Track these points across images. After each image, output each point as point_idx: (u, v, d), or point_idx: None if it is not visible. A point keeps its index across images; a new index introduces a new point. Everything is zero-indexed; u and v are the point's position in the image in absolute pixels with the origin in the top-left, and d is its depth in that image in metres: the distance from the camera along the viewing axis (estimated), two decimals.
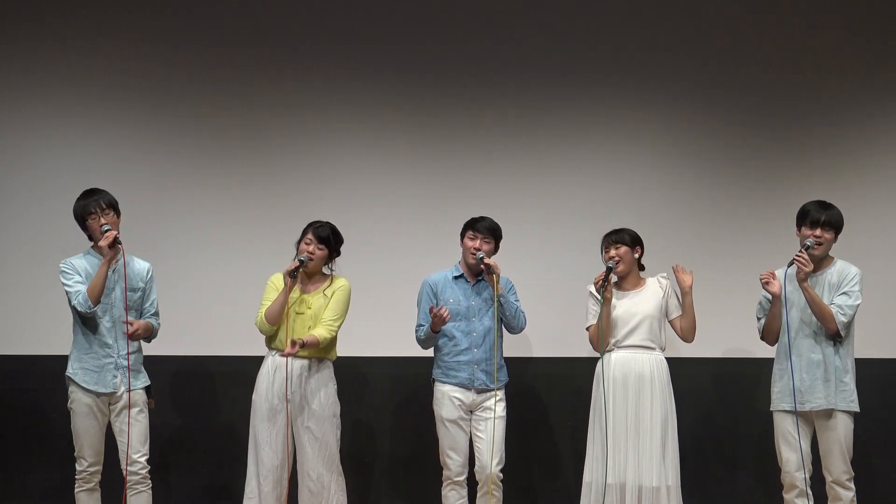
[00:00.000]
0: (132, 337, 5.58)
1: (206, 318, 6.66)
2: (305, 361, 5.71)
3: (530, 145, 6.89)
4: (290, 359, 5.65)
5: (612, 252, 5.78)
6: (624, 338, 5.74)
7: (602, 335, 5.70)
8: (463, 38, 6.91)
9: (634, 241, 5.81)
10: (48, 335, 6.59)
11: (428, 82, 6.90)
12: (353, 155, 6.88)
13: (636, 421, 5.62)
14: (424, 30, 6.92)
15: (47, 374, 6.58)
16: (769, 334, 5.68)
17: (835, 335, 5.48)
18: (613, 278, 5.81)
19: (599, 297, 5.70)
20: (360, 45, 6.90)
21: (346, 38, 6.90)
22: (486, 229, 5.87)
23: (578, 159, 6.90)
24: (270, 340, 5.78)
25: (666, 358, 5.81)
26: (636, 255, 5.82)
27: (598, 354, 5.80)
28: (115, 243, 5.48)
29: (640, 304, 5.77)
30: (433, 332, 5.80)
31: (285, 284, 5.65)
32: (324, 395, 5.71)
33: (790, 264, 5.47)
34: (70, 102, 6.87)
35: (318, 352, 5.72)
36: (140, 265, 5.73)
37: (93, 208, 5.57)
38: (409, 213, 6.85)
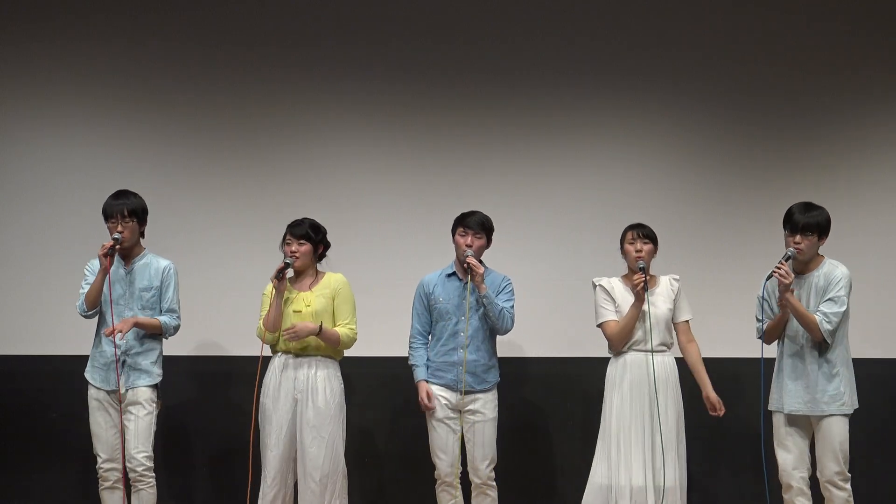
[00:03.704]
0: (112, 335, 5.56)
1: (202, 319, 6.66)
2: (312, 359, 5.71)
3: (534, 145, 6.87)
4: (296, 357, 5.68)
5: (640, 245, 5.66)
6: (641, 339, 5.67)
7: (648, 334, 5.62)
8: (466, 37, 6.90)
9: (656, 239, 5.73)
10: (48, 335, 6.61)
11: (430, 81, 6.88)
12: (354, 155, 6.87)
13: (651, 423, 5.58)
14: (428, 28, 6.90)
15: (47, 374, 6.61)
16: (770, 336, 5.63)
17: (820, 342, 5.44)
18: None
19: (637, 297, 5.57)
20: (362, 45, 6.88)
21: (348, 38, 6.89)
22: (476, 224, 5.76)
23: (583, 159, 6.88)
24: (275, 346, 5.78)
25: (675, 359, 5.79)
26: (654, 255, 5.75)
27: (602, 354, 5.78)
28: (108, 254, 5.51)
29: (656, 305, 5.70)
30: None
31: (275, 288, 5.69)
32: (329, 392, 5.69)
33: (769, 277, 5.40)
34: (72, 102, 6.86)
35: (326, 350, 5.72)
36: (158, 264, 5.75)
37: (114, 214, 5.64)
38: (409, 214, 6.84)
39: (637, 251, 5.66)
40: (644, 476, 5.54)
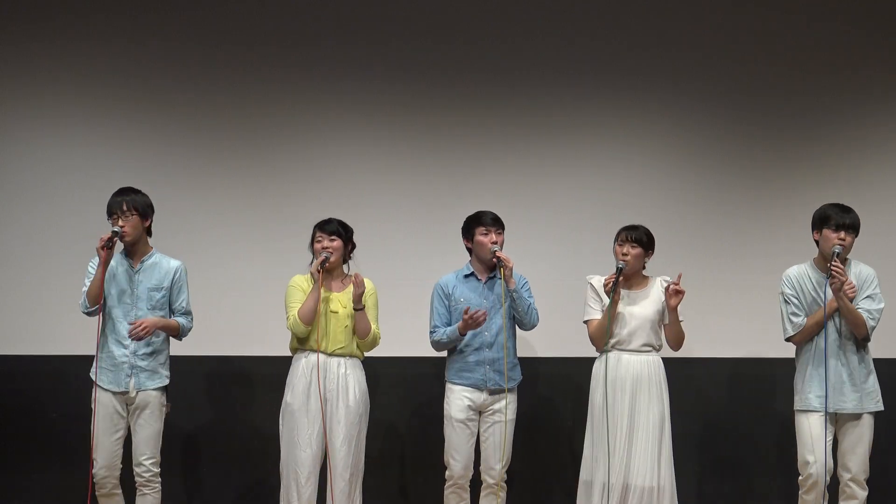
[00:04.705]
0: (136, 336, 5.52)
1: (202, 319, 6.64)
2: (341, 359, 5.71)
3: (534, 145, 6.87)
4: (327, 357, 5.66)
5: (627, 249, 5.70)
6: (623, 340, 5.69)
7: (607, 334, 5.66)
8: (466, 37, 6.90)
9: (649, 244, 5.72)
10: (48, 335, 6.60)
11: (430, 81, 6.88)
12: (354, 155, 6.87)
13: (632, 422, 5.60)
14: (428, 28, 6.90)
15: (47, 374, 6.60)
16: (803, 336, 5.60)
17: (864, 339, 5.51)
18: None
19: (609, 297, 5.63)
20: (362, 45, 6.88)
21: (348, 38, 6.89)
22: (494, 221, 5.86)
23: (583, 159, 6.88)
24: (302, 342, 5.74)
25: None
26: (647, 258, 5.76)
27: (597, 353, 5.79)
28: (106, 246, 5.45)
29: (643, 306, 5.72)
30: (461, 335, 5.77)
31: (315, 281, 5.68)
32: (358, 391, 5.71)
33: (829, 276, 5.40)
34: (72, 102, 6.86)
35: (351, 350, 5.74)
36: (168, 264, 5.72)
37: (115, 209, 5.60)
38: (413, 214, 6.84)
39: (623, 255, 5.69)
40: (618, 474, 5.54)
